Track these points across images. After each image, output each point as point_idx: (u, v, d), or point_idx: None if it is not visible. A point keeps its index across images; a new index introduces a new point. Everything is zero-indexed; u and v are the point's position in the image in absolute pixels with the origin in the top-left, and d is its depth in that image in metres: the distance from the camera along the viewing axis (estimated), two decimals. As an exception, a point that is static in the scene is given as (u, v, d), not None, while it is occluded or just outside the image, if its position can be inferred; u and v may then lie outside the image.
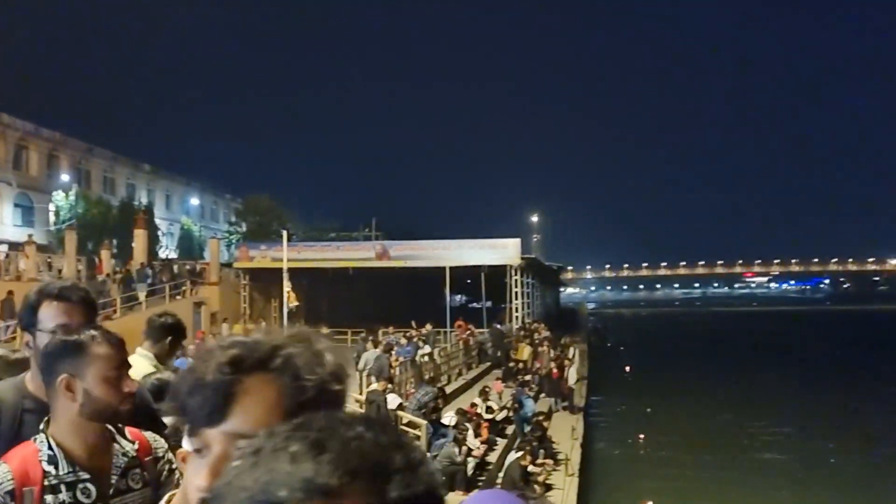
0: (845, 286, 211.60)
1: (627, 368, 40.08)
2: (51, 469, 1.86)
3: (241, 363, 1.06)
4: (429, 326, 25.43)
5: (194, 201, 64.91)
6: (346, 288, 43.44)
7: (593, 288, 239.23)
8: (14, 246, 34.25)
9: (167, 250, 53.35)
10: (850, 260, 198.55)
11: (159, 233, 52.45)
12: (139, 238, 36.35)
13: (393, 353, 19.67)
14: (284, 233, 23.57)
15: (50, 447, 1.88)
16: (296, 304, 21.16)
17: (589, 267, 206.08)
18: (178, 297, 32.33)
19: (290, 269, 21.31)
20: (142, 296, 29.70)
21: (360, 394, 15.72)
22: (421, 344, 22.43)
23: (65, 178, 46.95)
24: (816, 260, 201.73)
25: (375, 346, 18.79)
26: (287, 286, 20.06)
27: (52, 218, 44.14)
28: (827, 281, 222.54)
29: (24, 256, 29.97)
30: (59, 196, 44.12)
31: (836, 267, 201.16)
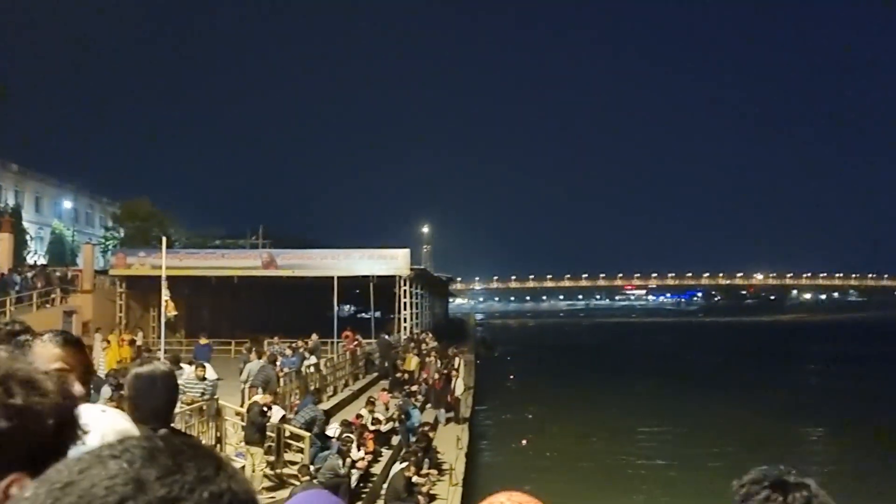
0: (716, 299, 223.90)
1: (511, 377, 40.88)
2: None
3: None
4: (315, 337, 25.00)
5: (67, 204, 61.52)
6: (231, 297, 42.25)
7: (482, 299, 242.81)
8: None
9: (36, 256, 50.28)
10: (721, 274, 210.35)
11: (27, 237, 49.40)
12: (3, 242, 34.12)
13: (278, 363, 19.22)
14: (164, 239, 22.59)
15: None
16: (174, 313, 20.30)
17: (477, 278, 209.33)
18: (47, 306, 30.54)
19: (170, 277, 20.46)
20: (8, 304, 27.80)
21: (242, 405, 15.27)
22: (307, 355, 22.03)
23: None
24: (690, 274, 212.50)
25: (259, 357, 18.30)
26: (165, 294, 19.23)
27: None
28: (700, 294, 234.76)
29: None
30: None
31: (709, 281, 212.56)
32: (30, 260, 45.13)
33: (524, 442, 22.65)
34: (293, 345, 23.03)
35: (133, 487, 0.64)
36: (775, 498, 1.31)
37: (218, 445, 13.68)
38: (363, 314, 52.37)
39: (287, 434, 14.25)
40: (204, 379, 14.64)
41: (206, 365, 15.67)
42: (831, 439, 24.83)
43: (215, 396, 14.66)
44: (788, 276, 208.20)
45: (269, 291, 43.22)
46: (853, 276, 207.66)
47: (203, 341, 22.26)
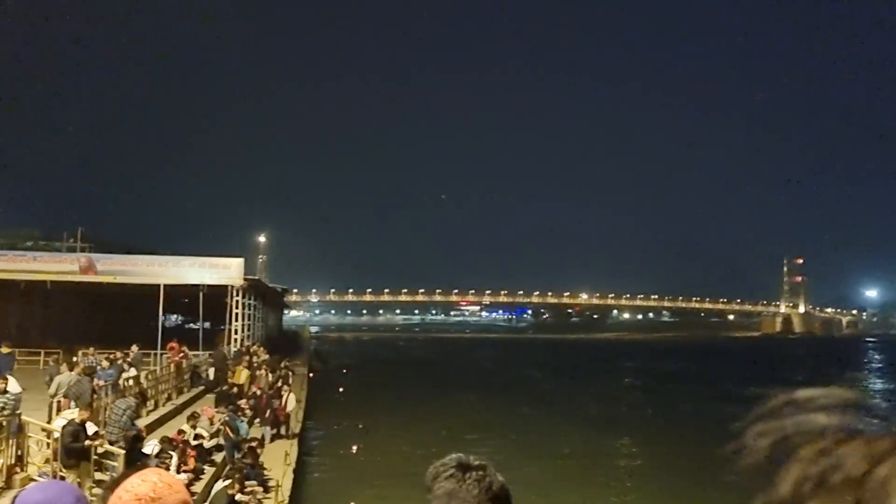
0: (545, 317, 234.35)
1: (343, 391, 40.64)
2: None
3: None
4: (134, 348, 23.62)
5: None
6: (42, 304, 39.02)
7: (318, 311, 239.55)
8: None
9: None
10: (550, 293, 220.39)
11: None
12: None
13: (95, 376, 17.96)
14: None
15: None
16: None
17: (314, 290, 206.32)
18: None
19: (-30, 280, 18.64)
20: None
21: (49, 421, 14.12)
22: (126, 367, 20.75)
23: None
24: (522, 292, 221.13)
25: (71, 369, 17.01)
26: (-36, 299, 17.47)
27: None
28: (530, 311, 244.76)
29: None
30: None
31: (539, 299, 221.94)
32: None
33: (354, 448, 22.52)
34: (111, 356, 21.61)
35: None
36: (458, 475, 1.58)
37: (18, 465, 12.56)
38: (191, 325, 50.14)
39: (100, 451, 13.32)
40: (6, 392, 13.40)
41: (9, 377, 14.37)
42: (635, 446, 26.64)
43: (17, 411, 13.46)
44: (610, 296, 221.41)
45: (87, 298, 40.34)
46: (666, 298, 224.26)
47: (5, 350, 20.39)
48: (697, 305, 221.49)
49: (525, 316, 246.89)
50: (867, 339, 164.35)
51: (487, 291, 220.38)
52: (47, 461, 12.87)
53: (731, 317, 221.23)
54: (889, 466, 0.56)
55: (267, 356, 32.32)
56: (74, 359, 19.75)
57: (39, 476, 11.96)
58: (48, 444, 12.98)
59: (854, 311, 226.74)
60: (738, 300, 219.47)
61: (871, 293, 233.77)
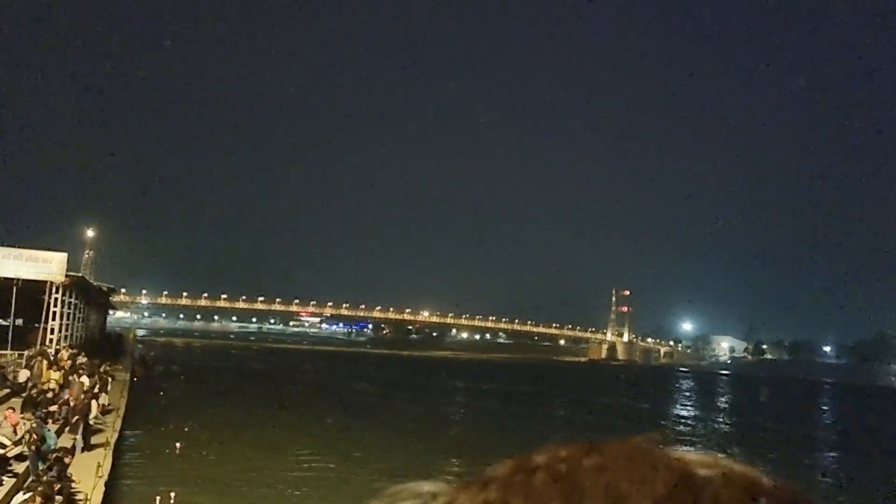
0: (384, 332, 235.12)
1: (165, 399, 38.98)
2: None
3: None
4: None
5: None
6: None
7: (147, 314, 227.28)
8: None
9: None
10: (392, 309, 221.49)
11: None
12: None
13: None
14: None
15: None
16: None
17: (144, 291, 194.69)
18: None
19: None
20: None
21: None
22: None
23: None
24: (364, 306, 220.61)
25: None
26: None
27: None
28: (370, 326, 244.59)
29: None
30: None
31: (380, 314, 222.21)
32: None
33: (173, 495, 21.62)
34: None
35: None
36: None
37: None
38: (0, 321, 46.20)
39: None
40: None
41: None
42: (470, 466, 27.44)
43: None
44: (450, 315, 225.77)
45: None
46: (503, 320, 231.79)
47: None
48: (531, 329, 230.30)
49: (365, 330, 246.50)
50: (680, 368, 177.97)
51: (329, 303, 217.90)
52: None
53: (562, 342, 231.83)
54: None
55: (85, 359, 30.42)
56: None
57: None
58: None
59: (671, 343, 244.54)
60: (569, 326, 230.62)
61: (688, 326, 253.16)
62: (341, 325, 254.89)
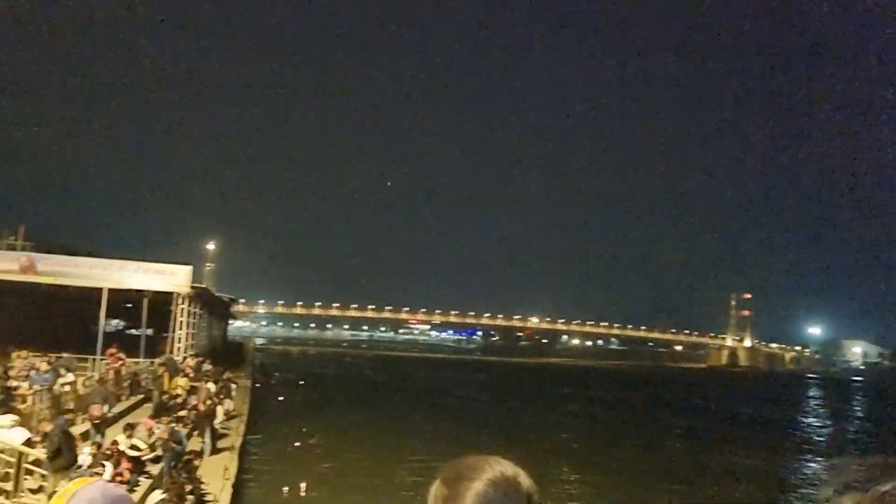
0: (494, 339, 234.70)
1: (285, 405, 40.12)
2: None
3: None
4: (65, 354, 22.94)
5: None
6: (-21, 302, 37.66)
7: (265, 323, 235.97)
8: None
9: None
10: (500, 315, 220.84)
11: None
12: None
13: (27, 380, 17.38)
14: None
15: None
16: None
17: (262, 301, 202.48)
18: None
19: None
20: None
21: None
22: (63, 371, 20.09)
23: None
24: (473, 313, 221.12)
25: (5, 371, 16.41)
26: None
27: None
28: (480, 333, 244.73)
29: None
30: None
31: (489, 321, 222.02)
32: None
33: (303, 486, 21.99)
34: (50, 359, 20.90)
35: None
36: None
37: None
38: (132, 331, 48.95)
39: (30, 459, 12.82)
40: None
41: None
42: (573, 473, 26.79)
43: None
44: (560, 321, 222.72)
45: (25, 299, 39.08)
46: (615, 325, 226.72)
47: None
48: (645, 335, 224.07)
49: (474, 337, 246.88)
50: (809, 375, 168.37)
51: (438, 311, 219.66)
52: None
53: (678, 347, 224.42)
54: None
55: (210, 367, 31.72)
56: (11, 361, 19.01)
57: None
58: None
59: (797, 347, 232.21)
60: (686, 331, 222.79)
61: (815, 330, 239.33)
62: (450, 332, 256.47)
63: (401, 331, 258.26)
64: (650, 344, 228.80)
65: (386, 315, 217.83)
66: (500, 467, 1.40)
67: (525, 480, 1.40)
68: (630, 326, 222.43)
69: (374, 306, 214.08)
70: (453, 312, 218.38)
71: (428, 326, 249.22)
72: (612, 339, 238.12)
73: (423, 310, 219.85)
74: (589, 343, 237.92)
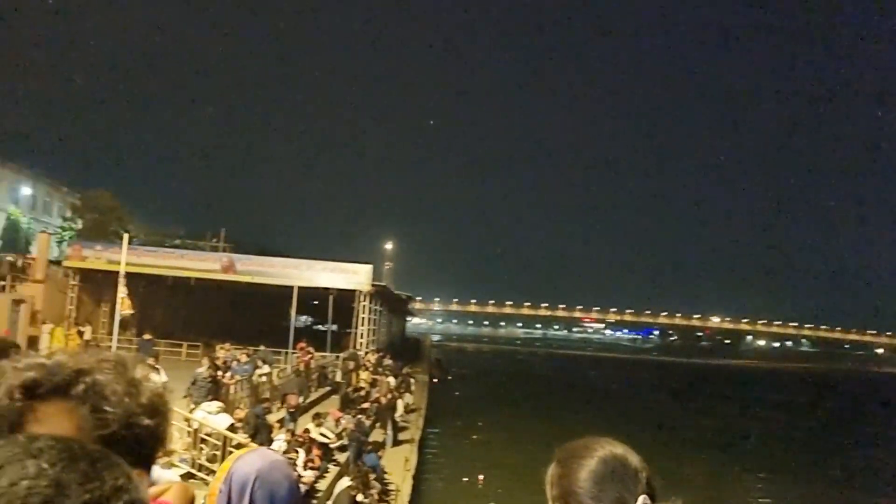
0: (672, 338, 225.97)
1: (463, 401, 40.90)
2: None
3: (37, 388, 0.94)
4: (262, 347, 24.75)
5: (26, 191, 60.01)
6: (186, 299, 41.60)
7: (440, 320, 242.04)
8: None
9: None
10: (679, 314, 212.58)
11: (-20, 222, 48.14)
12: (-45, 224, 33.16)
13: (229, 370, 18.97)
14: (126, 235, 22.19)
15: None
16: (130, 311, 19.89)
17: (437, 299, 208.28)
18: (-5, 293, 29.74)
19: (126, 274, 20.06)
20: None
21: (191, 411, 14.97)
22: (260, 363, 21.73)
23: None
24: (649, 311, 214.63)
25: (212, 362, 18.01)
26: (122, 291, 18.84)
27: None
28: (656, 332, 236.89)
29: None
30: None
31: (666, 320, 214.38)
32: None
33: (481, 477, 22.38)
34: (249, 352, 22.67)
35: (55, 490, 0.63)
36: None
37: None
38: (319, 326, 51.98)
39: (234, 443, 13.98)
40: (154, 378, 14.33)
41: (158, 366, 15.37)
42: (775, 483, 25.23)
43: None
44: (744, 321, 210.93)
45: (226, 296, 42.69)
46: (807, 325, 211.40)
47: (147, 336, 21.89)
48: (841, 336, 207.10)
49: (651, 336, 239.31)
50: None
51: (612, 309, 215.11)
52: (187, 448, 13.64)
53: (879, 350, 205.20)
54: None
55: (390, 361, 33.03)
56: (217, 353, 20.79)
57: (180, 462, 12.68)
58: (188, 433, 13.75)
59: None
60: (888, 333, 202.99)
61: None
62: (626, 331, 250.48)
63: (574, 329, 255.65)
64: (846, 346, 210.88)
65: (559, 314, 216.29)
66: (611, 447, 1.56)
67: (634, 458, 1.53)
68: (824, 327, 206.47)
69: (546, 305, 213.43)
70: (628, 311, 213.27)
71: (602, 325, 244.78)
72: (803, 341, 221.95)
73: (597, 308, 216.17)
74: (776, 344, 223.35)
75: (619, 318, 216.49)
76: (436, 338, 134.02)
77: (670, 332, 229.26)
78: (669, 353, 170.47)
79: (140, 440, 0.98)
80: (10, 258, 35.95)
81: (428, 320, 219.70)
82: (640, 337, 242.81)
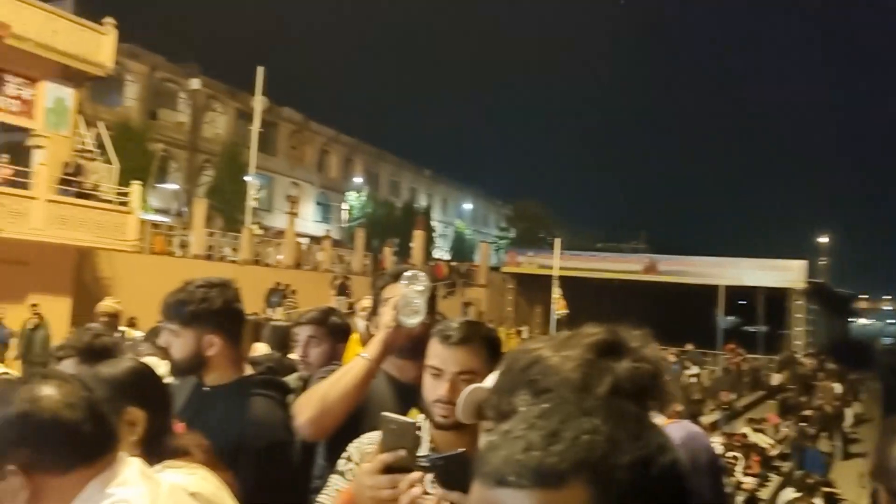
0: None
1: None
2: None
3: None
4: (689, 346, 24.24)
5: (467, 206, 67.91)
6: (609, 300, 42.88)
7: (892, 321, 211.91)
8: (314, 239, 38.14)
9: (441, 251, 56.45)
10: None
11: (435, 234, 55.59)
12: (418, 238, 38.66)
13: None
14: (557, 241, 23.86)
15: None
16: (565, 311, 21.20)
17: (888, 297, 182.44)
18: (448, 297, 34.09)
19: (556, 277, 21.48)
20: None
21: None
22: (688, 364, 21.44)
23: (358, 180, 51.48)
24: None
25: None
26: (557, 293, 20.21)
27: (344, 216, 48.64)
28: None
29: (320, 249, 33.26)
30: (351, 196, 48.56)
31: None
32: (435, 255, 50.78)
33: None
34: (676, 352, 22.56)
35: (610, 447, 0.69)
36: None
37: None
38: (747, 327, 49.45)
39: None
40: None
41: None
42: None
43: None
44: None
45: (648, 297, 43.00)
46: None
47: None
48: None
49: None
50: None
51: None
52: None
53: None
54: None
55: (833, 366, 29.96)
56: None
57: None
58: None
59: None
60: None
61: None
62: None
63: None
64: None
65: None
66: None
67: None
68: None
69: None
70: None
71: None
72: None
73: None
74: None
75: None
76: (887, 341, 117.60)
77: None
78: None
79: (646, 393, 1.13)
80: (458, 266, 40.99)
81: (877, 321, 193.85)
82: None
